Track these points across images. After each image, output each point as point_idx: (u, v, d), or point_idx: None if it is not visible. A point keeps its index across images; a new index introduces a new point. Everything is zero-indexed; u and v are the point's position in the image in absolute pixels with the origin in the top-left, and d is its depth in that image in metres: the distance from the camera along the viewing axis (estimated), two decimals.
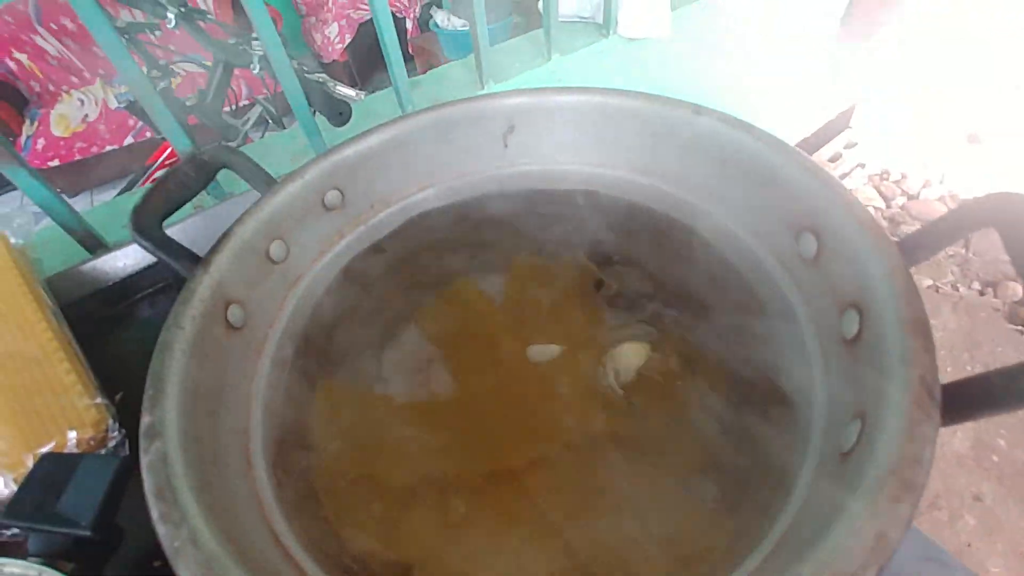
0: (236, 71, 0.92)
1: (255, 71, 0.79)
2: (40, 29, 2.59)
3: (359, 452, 0.26)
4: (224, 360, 0.24)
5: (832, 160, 2.05)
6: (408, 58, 3.18)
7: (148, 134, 2.38)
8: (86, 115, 2.40)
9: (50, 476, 0.31)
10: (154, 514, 0.17)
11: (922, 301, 0.16)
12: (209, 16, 0.84)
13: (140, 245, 0.26)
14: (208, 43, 0.81)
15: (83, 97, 2.52)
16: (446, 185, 0.35)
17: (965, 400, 0.14)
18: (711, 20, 1.11)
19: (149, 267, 0.56)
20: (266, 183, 0.30)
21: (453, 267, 0.33)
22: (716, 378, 0.24)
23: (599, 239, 0.32)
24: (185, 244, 0.26)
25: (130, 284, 0.54)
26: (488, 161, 0.35)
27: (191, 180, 0.28)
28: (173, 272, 0.25)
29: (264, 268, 0.27)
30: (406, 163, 0.34)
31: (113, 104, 2.47)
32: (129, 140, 2.44)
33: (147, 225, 0.25)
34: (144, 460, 0.18)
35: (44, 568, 0.25)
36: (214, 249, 0.25)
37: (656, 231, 0.29)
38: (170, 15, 0.81)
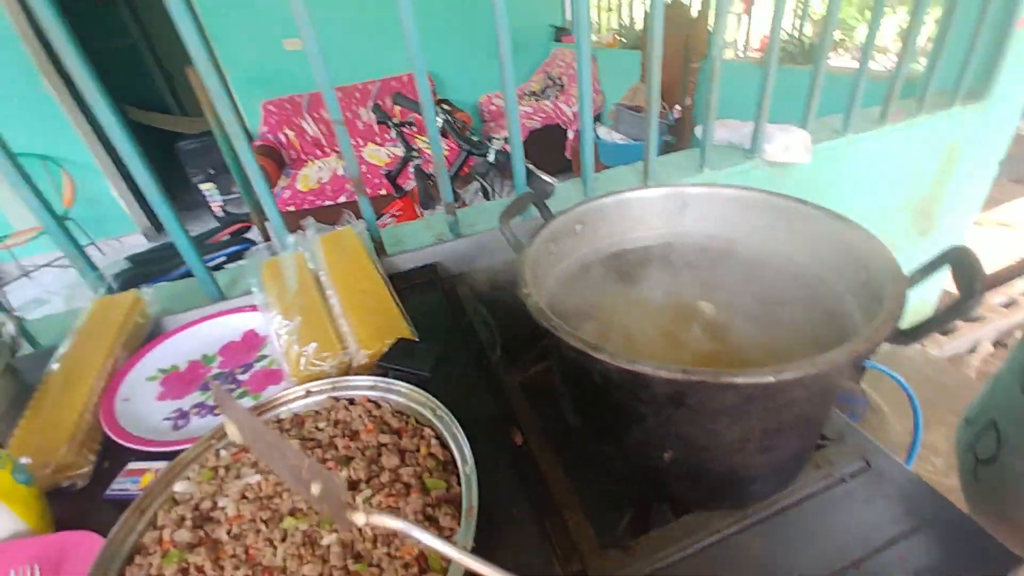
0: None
1: (490, 159, 1.15)
2: (306, 115, 3.57)
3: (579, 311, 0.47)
4: (534, 282, 0.48)
5: (1006, 305, 1.95)
6: (566, 161, 3.67)
7: (343, 198, 3.06)
8: (320, 178, 3.18)
9: (401, 350, 0.57)
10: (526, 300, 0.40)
11: (906, 298, 0.34)
12: (461, 121, 1.25)
13: (501, 230, 0.52)
14: (460, 138, 1.20)
15: (322, 165, 3.35)
16: (642, 234, 0.58)
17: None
18: (850, 157, 1.28)
19: (418, 268, 0.87)
20: (547, 216, 0.55)
21: (639, 275, 0.55)
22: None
23: (733, 270, 0.52)
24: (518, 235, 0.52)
25: (407, 275, 0.85)
26: (669, 222, 0.57)
27: (522, 206, 0.55)
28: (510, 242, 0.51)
29: (546, 253, 0.52)
30: (621, 216, 0.57)
31: (340, 172, 3.26)
32: (342, 199, 3.15)
33: (506, 220, 0.52)
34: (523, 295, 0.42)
35: (439, 404, 0.48)
36: (529, 241, 0.51)
37: (769, 268, 0.49)
38: (440, 118, 1.22)
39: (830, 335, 0.37)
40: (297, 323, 0.64)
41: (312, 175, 3.21)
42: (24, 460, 0.50)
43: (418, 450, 0.46)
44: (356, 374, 0.59)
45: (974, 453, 0.60)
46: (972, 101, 1.40)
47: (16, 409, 0.58)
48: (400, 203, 1.56)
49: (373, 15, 3.28)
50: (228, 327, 0.74)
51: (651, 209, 0.57)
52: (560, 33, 3.89)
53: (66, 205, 3.03)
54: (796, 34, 2.42)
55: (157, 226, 3.66)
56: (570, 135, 3.46)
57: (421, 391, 0.50)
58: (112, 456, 0.56)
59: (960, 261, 0.33)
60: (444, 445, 0.47)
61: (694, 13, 2.78)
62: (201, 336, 0.72)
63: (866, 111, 1.32)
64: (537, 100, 3.66)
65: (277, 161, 3.32)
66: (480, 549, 0.41)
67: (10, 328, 0.64)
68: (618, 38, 3.47)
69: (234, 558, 0.39)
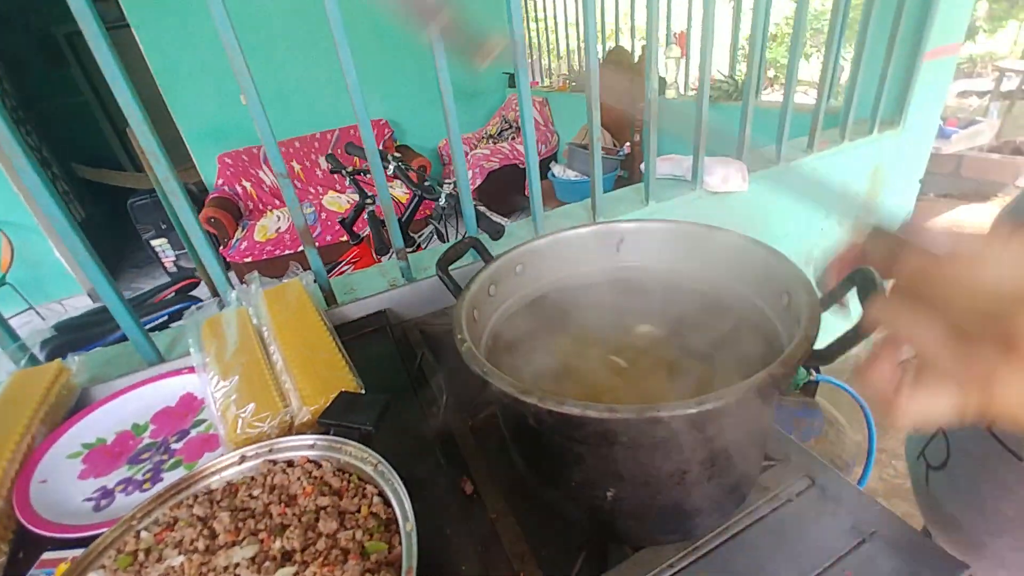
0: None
1: (441, 203, 1.16)
2: (264, 166, 3.55)
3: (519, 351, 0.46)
4: (472, 325, 0.47)
5: None
6: (526, 199, 3.76)
7: (318, 244, 3.04)
8: (279, 227, 3.14)
9: (344, 403, 0.55)
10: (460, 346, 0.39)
11: (818, 320, 0.35)
12: (410, 167, 1.27)
13: (439, 276, 0.52)
14: (410, 183, 1.21)
15: (280, 215, 3.31)
16: (581, 270, 0.59)
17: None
18: (784, 184, 1.36)
19: (368, 316, 0.86)
20: (487, 259, 0.56)
21: (578, 310, 0.55)
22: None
23: (668, 300, 0.53)
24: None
25: (356, 324, 0.83)
26: (608, 258, 0.58)
27: (461, 251, 0.55)
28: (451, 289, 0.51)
29: (486, 297, 0.52)
30: (559, 256, 0.58)
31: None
32: (302, 248, 3.10)
33: (443, 267, 0.52)
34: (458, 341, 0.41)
35: (381, 459, 0.46)
36: (468, 286, 0.50)
37: (700, 296, 0.51)
38: (390, 167, 1.24)
39: (767, 358, 0.38)
40: (235, 383, 0.61)
41: (271, 225, 3.17)
42: None
43: (359, 510, 0.44)
44: (299, 432, 0.56)
45: (925, 459, 0.61)
46: (889, 128, 1.53)
47: None
48: (356, 250, 1.55)
49: (332, 67, 3.36)
50: (163, 392, 0.70)
51: (588, 246, 0.58)
52: (513, 79, 4.06)
53: (3, 269, 2.88)
54: (730, 73, 2.60)
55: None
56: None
57: (362, 447, 0.48)
58: (27, 545, 0.51)
59: (863, 281, 0.35)
60: (387, 502, 0.44)
61: (635, 58, 2.96)
62: (133, 404, 0.68)
63: (796, 141, 1.42)
64: (495, 143, 3.77)
65: (233, 213, 3.27)
66: None
67: None
68: (568, 82, 3.65)
69: None
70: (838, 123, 1.45)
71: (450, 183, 1.24)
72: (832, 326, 0.36)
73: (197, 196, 3.41)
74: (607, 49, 3.23)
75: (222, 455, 0.50)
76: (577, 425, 0.34)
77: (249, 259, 3.00)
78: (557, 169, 2.80)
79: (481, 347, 0.49)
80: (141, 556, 0.42)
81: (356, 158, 1.48)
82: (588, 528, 0.44)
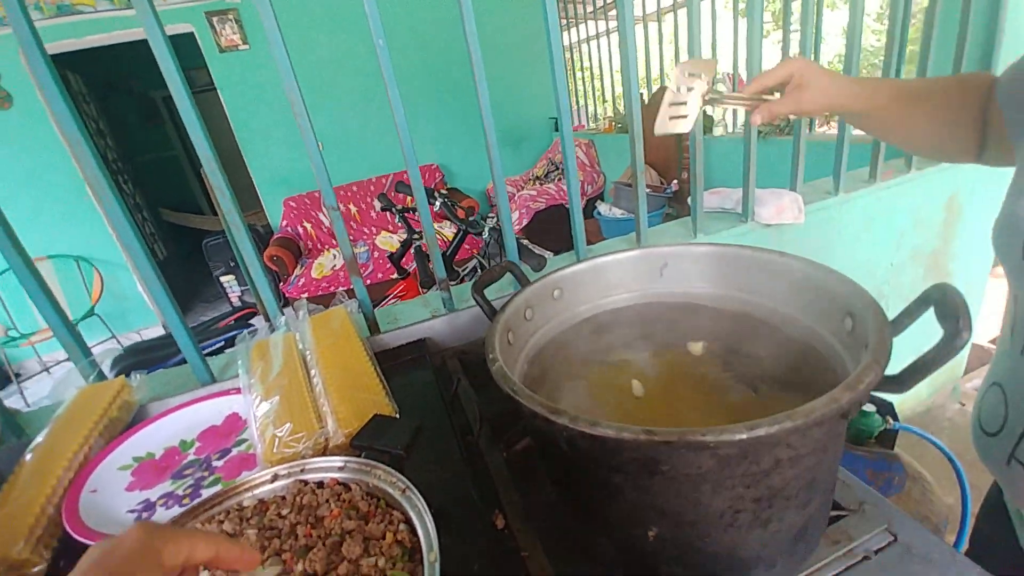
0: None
1: (484, 236, 1.18)
2: (324, 209, 3.78)
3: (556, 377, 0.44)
4: (506, 348, 0.46)
5: None
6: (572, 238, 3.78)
7: (369, 281, 3.17)
8: (335, 265, 3.30)
9: (377, 427, 0.54)
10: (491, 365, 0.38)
11: (889, 342, 0.31)
12: (458, 204, 1.30)
13: (474, 297, 0.51)
14: (455, 219, 1.24)
15: (336, 253, 3.49)
16: (622, 296, 0.56)
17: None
18: (844, 215, 1.29)
19: (408, 344, 0.86)
20: (525, 283, 0.55)
21: (619, 337, 0.52)
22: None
23: (716, 328, 0.49)
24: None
25: (397, 351, 0.83)
26: (649, 283, 0.56)
27: (496, 274, 0.55)
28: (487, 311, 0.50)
29: (522, 320, 0.50)
30: (600, 281, 0.57)
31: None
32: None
33: (479, 289, 0.51)
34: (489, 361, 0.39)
35: (409, 485, 0.44)
36: (503, 308, 0.49)
37: (752, 321, 0.46)
38: (436, 203, 1.28)
39: (825, 386, 0.34)
40: (275, 403, 0.62)
41: (327, 263, 3.33)
42: None
43: (384, 537, 0.42)
44: (332, 454, 0.56)
45: (980, 427, 0.52)
46: None
47: None
48: (403, 284, 1.59)
49: (388, 117, 3.59)
50: (212, 411, 0.72)
51: (628, 271, 0.56)
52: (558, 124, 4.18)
53: (93, 301, 3.17)
54: None
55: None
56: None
57: (391, 470, 0.46)
58: (70, 553, 0.52)
59: (942, 299, 0.31)
60: (413, 530, 0.42)
61: None
62: (183, 421, 0.70)
63: (857, 172, 1.34)
64: (541, 184, 3.84)
65: (294, 252, 3.47)
66: None
67: None
68: (614, 124, 3.71)
69: None
70: (902, 152, 1.37)
71: (493, 218, 1.26)
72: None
73: (264, 236, 3.67)
74: (653, 92, 3.27)
75: (254, 473, 0.50)
76: (613, 451, 0.32)
77: (305, 294, 3.15)
78: (603, 208, 2.80)
79: (516, 371, 0.47)
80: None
81: (407, 196, 1.54)
82: (627, 572, 0.40)
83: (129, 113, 4.95)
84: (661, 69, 3.49)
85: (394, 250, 3.51)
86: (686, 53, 1.02)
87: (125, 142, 4.67)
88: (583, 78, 4.47)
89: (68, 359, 0.78)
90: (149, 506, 0.57)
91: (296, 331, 0.79)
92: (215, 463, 0.63)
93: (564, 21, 4.35)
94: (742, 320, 0.49)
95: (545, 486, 0.49)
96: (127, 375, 0.78)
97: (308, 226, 3.70)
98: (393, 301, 1.64)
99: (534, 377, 0.47)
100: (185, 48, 0.78)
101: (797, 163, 1.22)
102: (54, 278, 3.32)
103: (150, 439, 0.67)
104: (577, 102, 4.54)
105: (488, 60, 0.84)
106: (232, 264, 3.62)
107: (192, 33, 3.31)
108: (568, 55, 4.45)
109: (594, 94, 4.34)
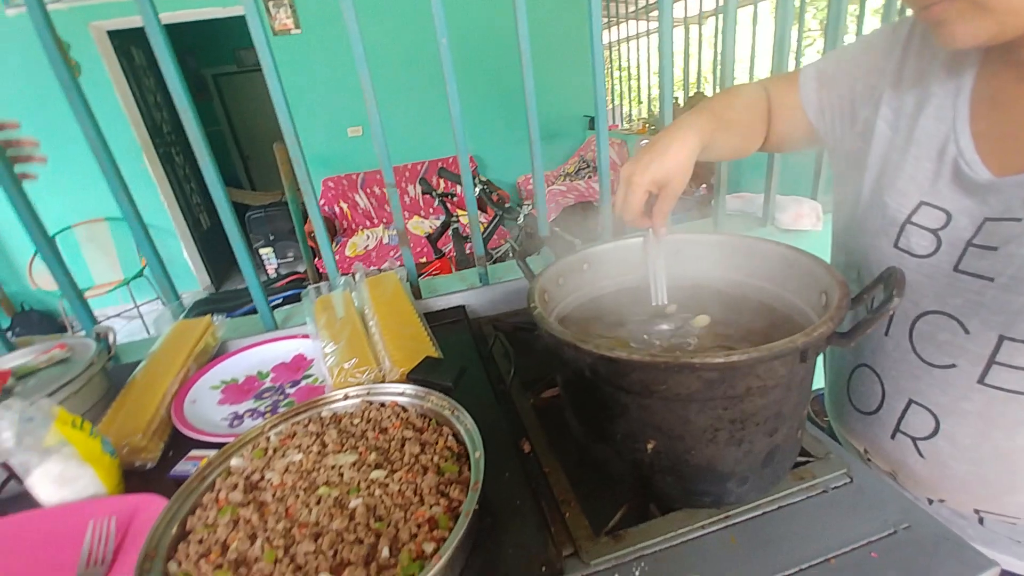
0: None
1: (519, 221, 1.28)
2: (360, 190, 3.93)
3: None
4: (543, 304, 0.56)
5: None
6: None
7: (387, 264, 3.31)
8: (367, 246, 3.45)
9: (428, 365, 0.66)
10: (532, 312, 0.48)
11: (845, 303, 0.41)
12: (494, 190, 1.41)
13: (517, 263, 0.62)
14: (492, 204, 1.35)
15: (369, 234, 3.64)
16: (641, 274, 0.66)
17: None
18: None
19: (449, 308, 0.97)
20: (559, 256, 0.65)
21: (636, 306, 0.62)
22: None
23: (720, 302, 0.58)
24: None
25: (438, 314, 0.95)
26: (671, 265, 0.66)
27: (535, 247, 0.65)
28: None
29: (555, 286, 0.61)
30: (622, 260, 0.66)
31: (385, 240, 3.53)
32: (385, 265, 3.38)
33: (521, 256, 0.62)
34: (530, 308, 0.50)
35: (458, 406, 0.56)
36: (541, 272, 0.60)
37: (748, 299, 0.56)
38: (477, 188, 1.39)
39: None
40: (341, 345, 0.74)
41: (360, 243, 3.48)
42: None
43: (436, 443, 0.53)
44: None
45: (853, 405, 0.61)
46: None
47: (105, 403, 0.69)
48: (438, 264, 1.71)
49: (425, 106, 3.72)
50: (280, 351, 0.85)
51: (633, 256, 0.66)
52: (593, 122, 4.25)
53: (142, 263, 3.39)
54: None
55: (216, 285, 3.99)
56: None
57: (442, 395, 0.57)
58: (177, 446, 0.65)
59: (889, 276, 0.40)
60: (460, 442, 0.53)
61: None
62: (257, 357, 0.83)
63: None
64: (571, 180, 3.92)
65: (330, 230, 3.64)
66: (484, 531, 0.47)
67: (111, 337, 0.77)
68: (648, 126, 3.76)
69: (276, 514, 0.46)
70: None
71: (528, 204, 1.36)
72: None
73: (303, 214, 3.85)
74: (689, 95, 3.31)
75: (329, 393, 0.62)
76: (624, 372, 0.42)
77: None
78: None
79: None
80: (270, 452, 0.54)
81: (444, 181, 1.66)
82: (630, 487, 0.50)
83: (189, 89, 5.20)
84: (699, 73, 3.52)
85: (427, 234, 3.63)
86: (722, 57, 1.10)
87: (178, 117, 4.92)
88: (620, 78, 4.52)
89: (117, 314, 0.92)
90: (238, 417, 0.69)
91: (353, 290, 0.91)
92: (288, 390, 0.75)
93: (605, 20, 4.40)
94: (740, 298, 0.58)
95: (565, 427, 0.59)
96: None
97: (344, 206, 3.86)
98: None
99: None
100: (241, 28, 0.90)
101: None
102: (109, 239, 3.56)
103: (232, 368, 0.80)
104: (612, 101, 4.59)
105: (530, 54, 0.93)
106: (271, 238, 3.81)
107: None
108: (607, 54, 4.50)
109: (629, 94, 4.39)
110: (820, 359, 0.72)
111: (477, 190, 1.36)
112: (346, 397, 0.61)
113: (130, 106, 3.56)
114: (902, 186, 0.50)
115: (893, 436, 0.55)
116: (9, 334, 0.91)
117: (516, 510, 0.50)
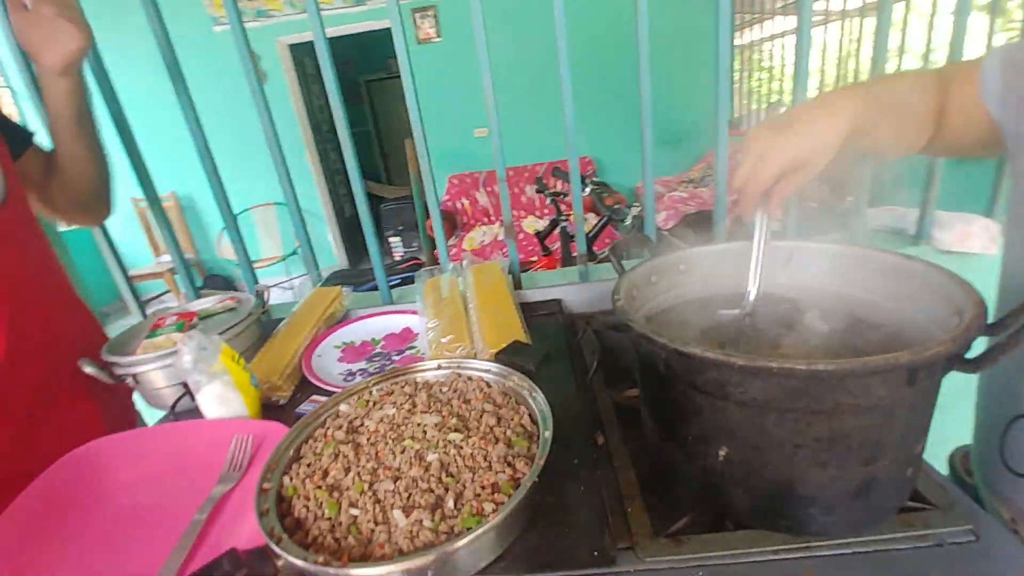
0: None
1: (627, 223, 1.27)
2: (481, 188, 4.15)
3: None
4: (630, 301, 0.56)
5: None
6: None
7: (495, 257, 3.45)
8: (483, 241, 3.63)
9: (515, 348, 0.69)
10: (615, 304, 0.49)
11: (975, 320, 0.35)
12: (609, 190, 1.41)
13: (610, 256, 0.64)
14: (602, 206, 1.35)
15: (486, 231, 3.82)
16: (740, 281, 0.63)
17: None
18: None
19: (545, 301, 1.01)
20: (652, 254, 0.64)
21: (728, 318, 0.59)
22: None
23: (829, 322, 0.53)
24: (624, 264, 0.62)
25: (535, 305, 0.98)
26: (772, 274, 0.61)
27: (632, 243, 0.65)
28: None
29: (647, 283, 0.60)
30: (726, 264, 0.63)
31: (500, 237, 3.68)
32: (495, 257, 3.52)
33: (615, 250, 0.63)
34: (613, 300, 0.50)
35: (536, 388, 0.59)
36: (632, 268, 0.60)
37: (864, 321, 0.50)
38: (587, 188, 1.40)
39: None
40: (442, 322, 0.81)
41: (477, 238, 3.68)
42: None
43: (512, 419, 0.56)
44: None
45: (1006, 465, 0.47)
46: None
47: (257, 347, 0.84)
48: (544, 261, 1.75)
49: (546, 109, 3.80)
50: (393, 323, 0.95)
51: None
52: (728, 127, 3.97)
53: (297, 244, 3.97)
54: None
55: (352, 263, 4.52)
56: (727, 223, 3.40)
57: (523, 376, 0.61)
58: (303, 389, 0.77)
59: None
60: (534, 421, 0.56)
61: None
62: (374, 325, 0.94)
63: None
64: (695, 187, 3.71)
65: (451, 224, 3.89)
66: (546, 508, 0.49)
67: (266, 296, 0.93)
68: None
69: (368, 455, 0.53)
70: None
71: (638, 206, 1.34)
72: None
73: (424, 207, 4.18)
74: None
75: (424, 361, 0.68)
76: (698, 370, 0.41)
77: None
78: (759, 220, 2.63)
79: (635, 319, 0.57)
80: (370, 404, 0.61)
81: (558, 181, 1.69)
82: (701, 495, 0.49)
83: (348, 94, 5.98)
84: (856, 74, 3.12)
85: (536, 231, 3.71)
86: (868, 61, 0.98)
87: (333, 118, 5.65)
88: (761, 80, 4.17)
89: (276, 284, 1.09)
90: (352, 373, 0.80)
91: (459, 276, 0.99)
92: (394, 356, 0.84)
93: (746, 16, 4.08)
94: (856, 319, 0.52)
95: (642, 428, 0.59)
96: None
97: (466, 203, 4.10)
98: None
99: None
100: (389, 39, 1.02)
101: (999, 186, 1.07)
102: (275, 220, 4.22)
103: (352, 332, 0.92)
104: (752, 104, 4.25)
105: (657, 55, 0.92)
106: (400, 228, 4.19)
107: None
108: (747, 54, 4.17)
109: (770, 97, 4.02)
110: (973, 404, 0.62)
111: (587, 190, 1.38)
112: (439, 367, 0.67)
113: (299, 108, 4.17)
114: None
115: None
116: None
117: (580, 496, 0.51)
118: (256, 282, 1.09)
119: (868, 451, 0.39)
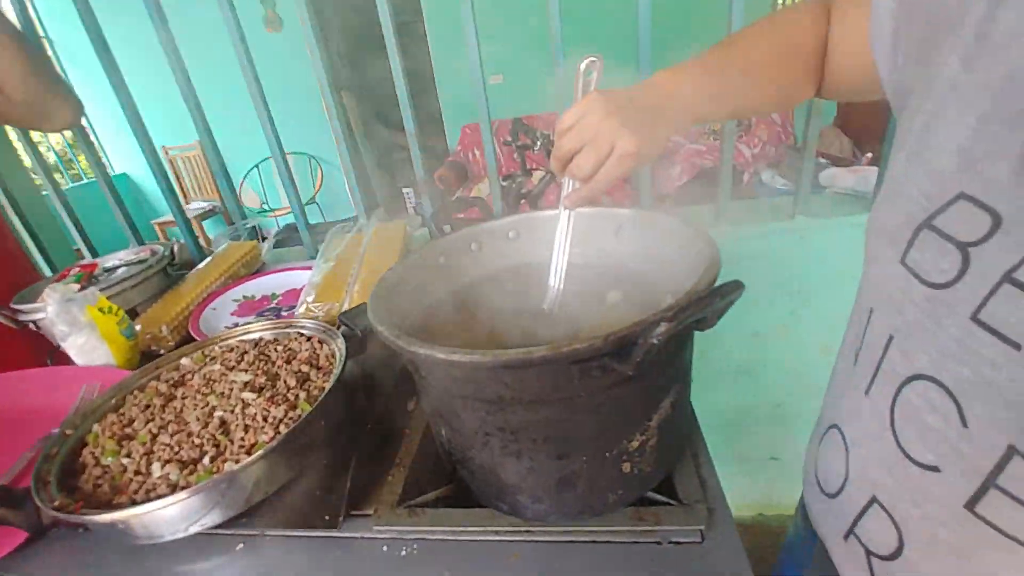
0: None
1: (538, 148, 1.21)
2: (493, 140, 4.03)
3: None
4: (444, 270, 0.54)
5: None
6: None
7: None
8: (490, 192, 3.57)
9: (360, 311, 0.69)
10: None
11: None
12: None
13: (430, 231, 0.61)
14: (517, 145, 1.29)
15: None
16: (572, 250, 0.59)
17: None
18: None
19: None
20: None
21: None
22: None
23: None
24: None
25: None
26: (602, 242, 0.57)
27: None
28: None
29: (467, 249, 0.58)
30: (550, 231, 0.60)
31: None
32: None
33: (438, 226, 0.61)
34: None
35: (343, 344, 0.60)
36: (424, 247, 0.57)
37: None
38: (538, 142, 1.33)
39: None
40: (319, 279, 0.82)
41: (484, 190, 3.63)
42: (137, 326, 0.78)
43: (316, 381, 0.57)
44: (332, 323, 0.73)
45: (819, 484, 0.43)
46: None
47: (158, 298, 0.89)
48: None
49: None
50: (298, 278, 0.97)
51: (584, 227, 0.57)
52: None
53: (315, 191, 4.06)
54: None
55: (367, 213, 4.60)
56: (746, 178, 3.17)
57: (342, 339, 0.61)
58: (185, 341, 0.81)
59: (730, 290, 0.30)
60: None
61: None
62: (279, 280, 0.97)
63: None
64: (715, 140, 3.45)
65: (460, 175, 3.84)
66: (308, 471, 0.50)
67: (175, 248, 0.97)
68: None
69: (173, 409, 0.56)
70: None
71: None
72: None
73: (440, 155, 4.12)
74: None
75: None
76: (402, 352, 0.40)
77: (461, 215, 3.51)
78: (766, 176, 2.44)
79: (449, 293, 0.56)
80: (207, 358, 0.64)
81: (521, 134, 1.62)
82: (452, 470, 0.48)
83: (359, 40, 5.86)
84: None
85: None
86: None
87: (355, 63, 5.58)
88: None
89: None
90: (236, 327, 0.83)
91: (365, 232, 0.99)
92: (283, 313, 0.87)
93: None
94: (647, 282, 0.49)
95: None
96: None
97: (477, 153, 4.02)
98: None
99: (458, 305, 0.55)
100: None
101: None
102: (294, 169, 4.31)
103: (256, 287, 0.95)
104: None
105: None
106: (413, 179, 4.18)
107: None
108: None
109: None
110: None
111: (538, 145, 1.31)
112: (289, 326, 0.69)
113: (315, 60, 4.13)
114: (941, 162, 0.30)
115: (846, 537, 0.39)
116: None
117: (341, 462, 0.52)
118: (255, 232, 1.13)
119: (558, 446, 0.37)
